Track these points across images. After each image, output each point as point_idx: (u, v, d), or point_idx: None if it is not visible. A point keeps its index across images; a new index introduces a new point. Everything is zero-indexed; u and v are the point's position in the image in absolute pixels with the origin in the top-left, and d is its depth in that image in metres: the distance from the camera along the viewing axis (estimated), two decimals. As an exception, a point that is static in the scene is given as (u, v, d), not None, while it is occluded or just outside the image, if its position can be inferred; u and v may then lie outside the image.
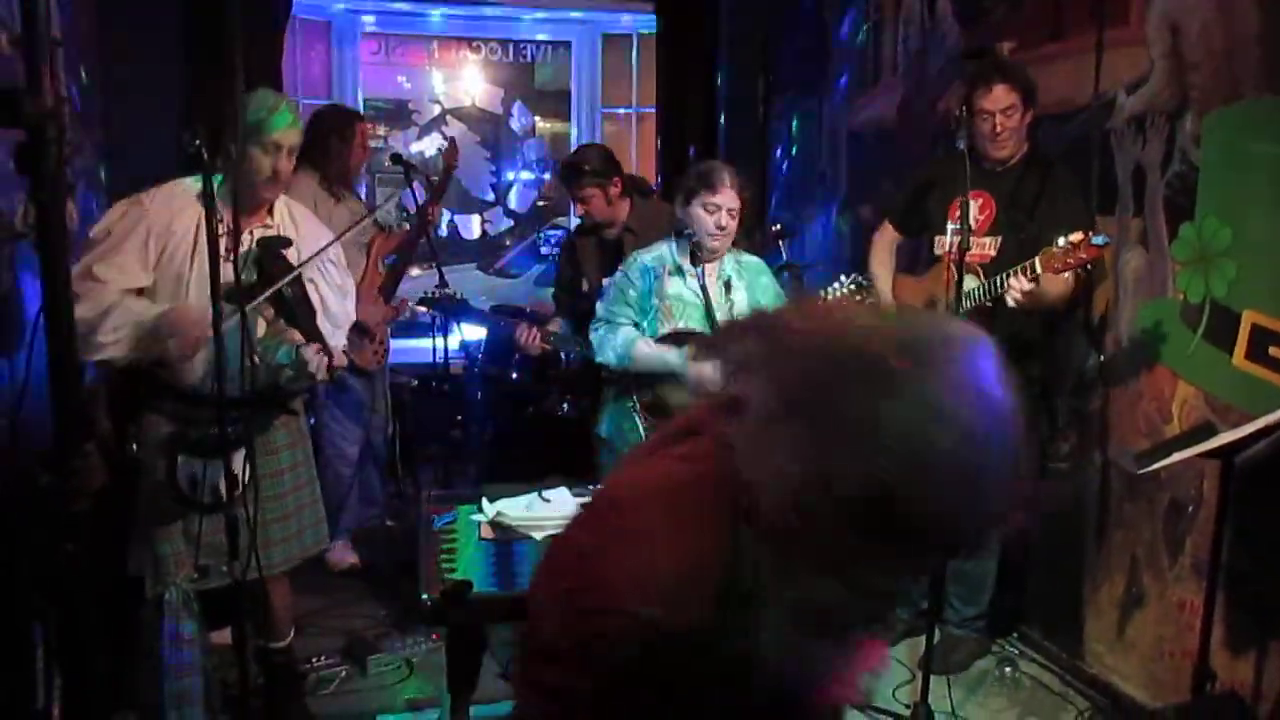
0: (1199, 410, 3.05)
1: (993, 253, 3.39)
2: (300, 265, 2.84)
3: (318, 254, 2.93)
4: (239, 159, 2.75)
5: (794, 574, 0.96)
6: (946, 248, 3.40)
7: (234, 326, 2.57)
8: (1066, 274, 3.03)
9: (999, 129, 3.32)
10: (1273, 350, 2.78)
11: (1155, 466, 2.84)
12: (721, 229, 3.22)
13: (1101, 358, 3.44)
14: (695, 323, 3.27)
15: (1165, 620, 3.20)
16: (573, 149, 7.30)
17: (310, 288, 2.92)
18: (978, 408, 0.94)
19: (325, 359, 2.80)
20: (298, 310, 2.81)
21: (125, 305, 2.71)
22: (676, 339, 3.26)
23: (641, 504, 1.09)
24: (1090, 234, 2.93)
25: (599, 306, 3.45)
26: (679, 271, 3.30)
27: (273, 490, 3.01)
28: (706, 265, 3.30)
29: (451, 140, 4.81)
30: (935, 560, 1.01)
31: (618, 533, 1.08)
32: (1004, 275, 3.11)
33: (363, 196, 4.60)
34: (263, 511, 2.93)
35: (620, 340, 3.29)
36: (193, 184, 2.72)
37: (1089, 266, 3.00)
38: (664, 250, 3.35)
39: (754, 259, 3.47)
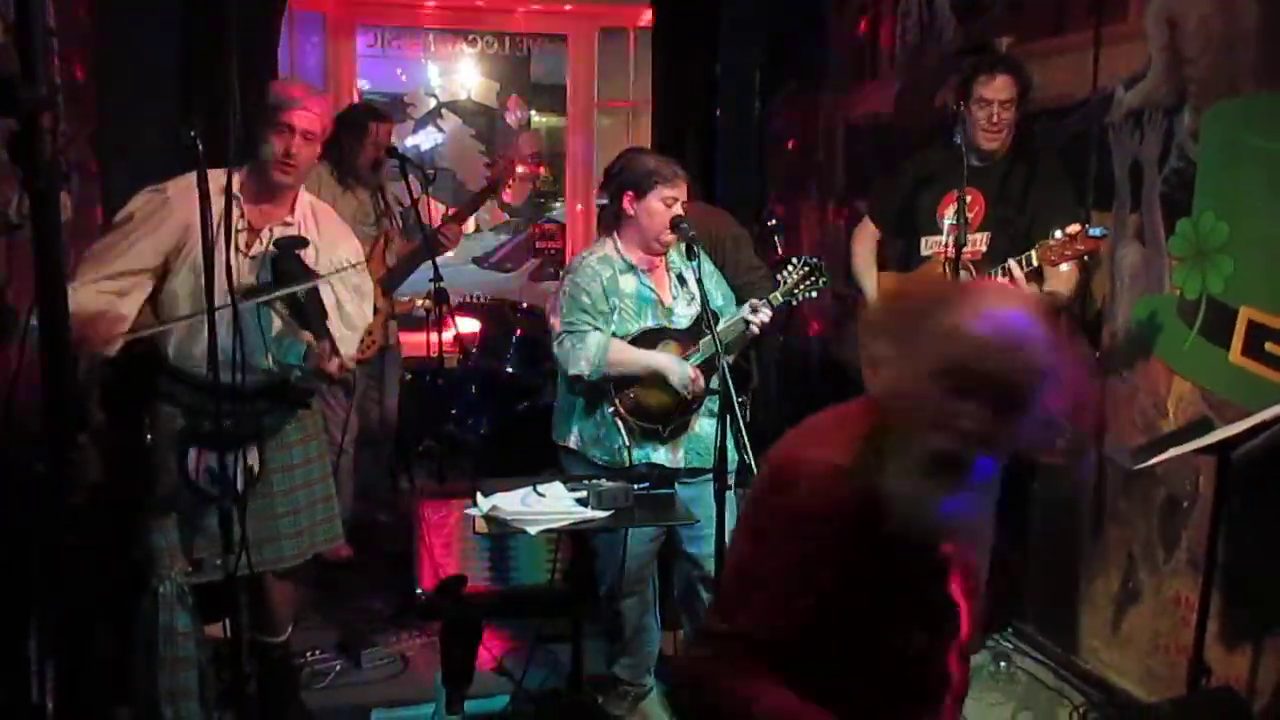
0: (1195, 406, 3.05)
1: (983, 249, 3.39)
2: (316, 279, 2.82)
3: (334, 272, 2.91)
4: (253, 144, 2.76)
5: (911, 435, 1.47)
6: (941, 246, 3.41)
7: (252, 323, 2.58)
8: (1066, 266, 3.03)
9: (996, 119, 3.32)
10: (1269, 346, 2.79)
11: (1151, 462, 2.84)
12: None
13: (1098, 353, 3.44)
14: (653, 319, 3.24)
15: (1161, 615, 3.20)
16: (567, 142, 7.32)
17: (325, 289, 2.90)
18: (1003, 314, 1.45)
19: (337, 360, 2.79)
20: (310, 313, 2.80)
21: (76, 296, 2.65)
22: (648, 339, 3.22)
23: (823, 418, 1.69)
24: (1087, 225, 2.93)
25: (559, 323, 3.35)
26: (630, 269, 3.25)
27: (284, 485, 3.01)
28: (655, 258, 3.28)
29: (509, 159, 4.81)
30: (1008, 413, 1.42)
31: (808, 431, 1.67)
32: (1000, 268, 3.11)
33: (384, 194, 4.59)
34: (273, 505, 2.97)
35: (592, 347, 3.15)
36: (216, 176, 2.69)
37: (1086, 258, 3.00)
38: (608, 249, 3.29)
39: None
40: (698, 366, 3.18)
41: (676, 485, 3.16)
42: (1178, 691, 2.94)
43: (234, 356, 2.43)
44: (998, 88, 3.31)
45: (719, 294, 3.35)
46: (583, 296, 3.20)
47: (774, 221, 5.10)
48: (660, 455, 3.23)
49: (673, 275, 3.31)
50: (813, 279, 3.22)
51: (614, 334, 3.20)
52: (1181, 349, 3.09)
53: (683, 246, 3.29)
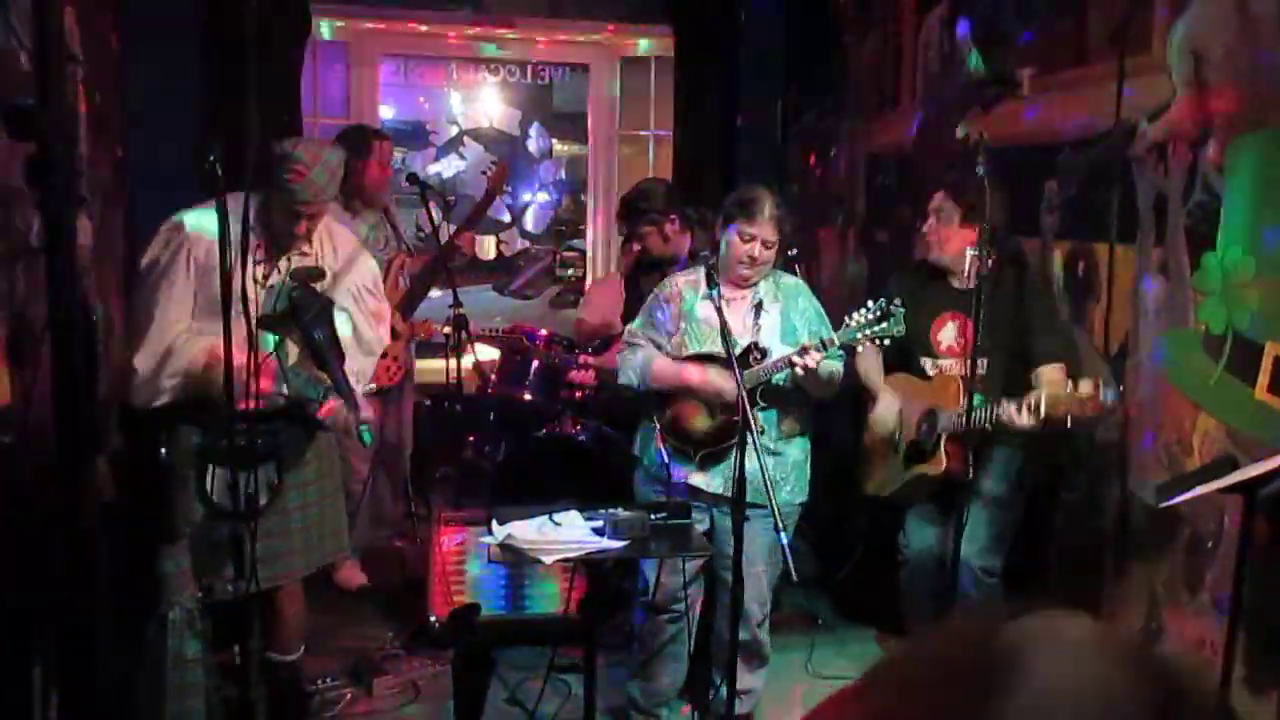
0: (1220, 443, 3.00)
1: (982, 371, 3.34)
2: (331, 310, 2.88)
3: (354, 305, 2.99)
4: (263, 201, 2.77)
5: None
6: (937, 367, 3.47)
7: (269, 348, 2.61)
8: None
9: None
10: (1296, 383, 2.74)
11: (1175, 500, 2.79)
12: (752, 259, 3.17)
13: (1121, 388, 3.40)
14: (713, 346, 3.23)
15: (1185, 658, 3.14)
16: (590, 171, 7.35)
17: (342, 317, 2.93)
18: None
19: (347, 416, 2.83)
20: (328, 354, 2.82)
21: (179, 351, 2.76)
22: (698, 361, 3.24)
23: None
24: (1103, 387, 2.97)
25: (626, 330, 3.45)
26: (710, 296, 3.26)
27: (299, 500, 3.05)
28: (739, 289, 3.26)
29: (500, 162, 4.80)
30: None
31: None
32: (1002, 404, 3.13)
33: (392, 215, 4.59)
34: (288, 520, 3.01)
35: (639, 360, 3.28)
36: (233, 207, 2.72)
37: (1092, 415, 3.04)
38: (701, 273, 3.31)
39: (793, 280, 3.42)
40: (747, 392, 3.16)
41: (715, 512, 3.18)
42: (1203, 736, 2.87)
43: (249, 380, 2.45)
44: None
45: (806, 331, 3.28)
46: (657, 313, 3.34)
47: (794, 251, 5.08)
48: (697, 479, 3.24)
49: (751, 305, 3.28)
50: (884, 324, 3.06)
51: (669, 355, 3.28)
52: (1206, 385, 3.04)
53: (778, 278, 3.32)
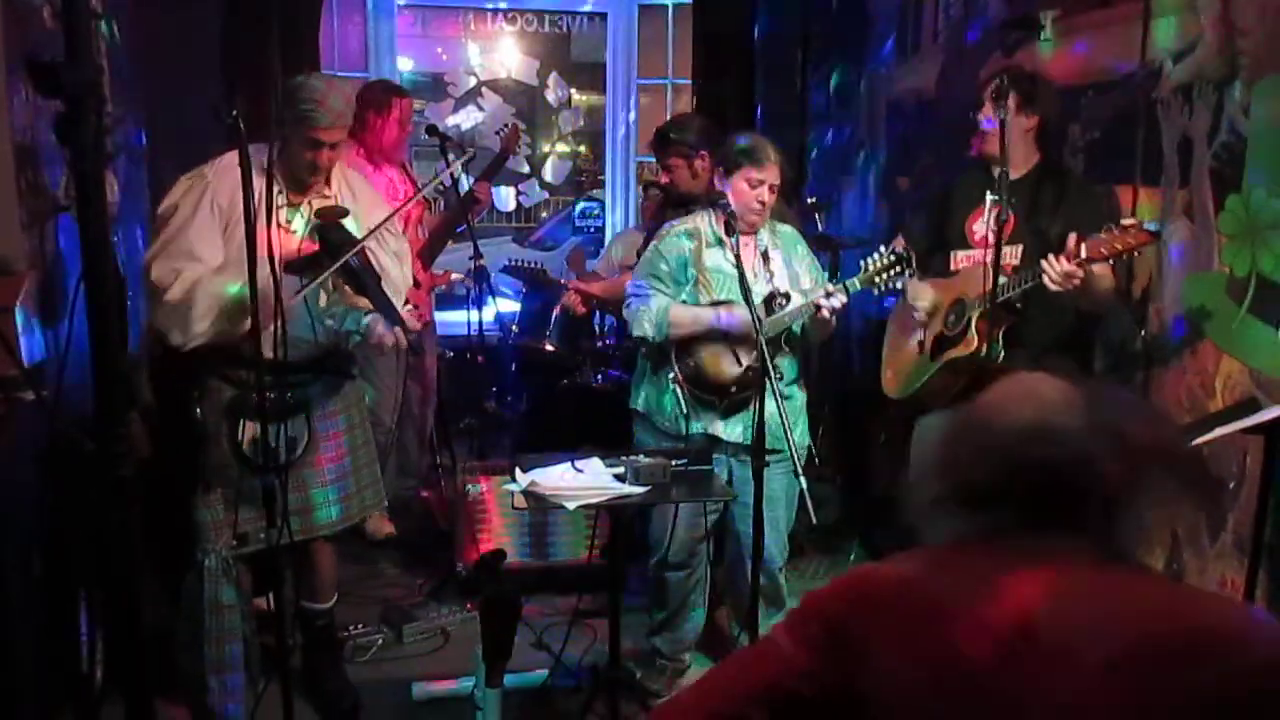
0: (1243, 385, 3.00)
1: (1015, 261, 3.32)
2: (363, 239, 2.87)
3: (378, 227, 2.96)
4: (282, 144, 2.76)
5: None
6: (969, 258, 3.38)
7: (303, 295, 2.63)
8: (1110, 265, 2.98)
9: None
10: (1321, 325, 2.73)
11: (1198, 441, 2.79)
12: (762, 204, 3.21)
13: (1144, 331, 3.39)
14: (734, 294, 3.25)
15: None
16: (608, 121, 7.31)
17: (370, 257, 2.95)
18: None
19: (394, 332, 2.85)
20: (366, 279, 2.86)
21: (206, 286, 2.74)
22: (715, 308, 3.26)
23: None
24: (1143, 220, 2.88)
25: (629, 283, 3.43)
26: (718, 243, 3.27)
27: (330, 452, 3.09)
28: (743, 237, 3.28)
29: (514, 125, 4.80)
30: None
31: None
32: (1040, 260, 3.07)
33: (409, 169, 4.60)
34: (321, 472, 3.06)
35: (655, 310, 3.26)
36: (253, 154, 2.73)
37: (1136, 254, 2.93)
38: (699, 222, 3.33)
39: (789, 229, 3.44)
40: (767, 343, 3.17)
41: (734, 462, 3.20)
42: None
43: (278, 331, 2.47)
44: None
45: (808, 278, 3.34)
46: (660, 264, 3.31)
47: (814, 199, 5.07)
48: (718, 428, 3.25)
49: (759, 254, 3.30)
50: (897, 269, 3.12)
51: (684, 302, 3.25)
52: (1230, 327, 3.03)
53: (774, 226, 3.32)
